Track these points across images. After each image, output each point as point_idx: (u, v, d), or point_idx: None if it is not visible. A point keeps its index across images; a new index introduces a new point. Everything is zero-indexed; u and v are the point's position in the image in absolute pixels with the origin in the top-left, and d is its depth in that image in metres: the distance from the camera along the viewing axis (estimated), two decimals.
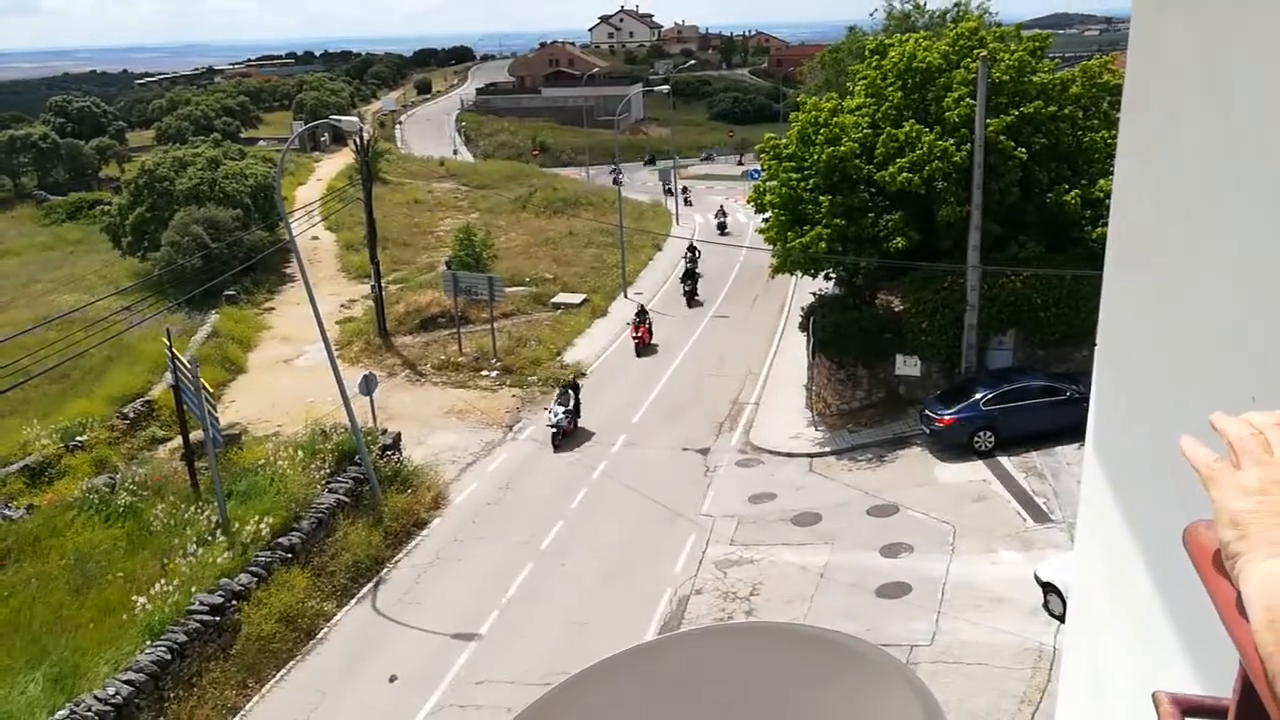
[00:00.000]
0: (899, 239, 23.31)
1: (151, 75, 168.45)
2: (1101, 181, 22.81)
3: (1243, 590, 0.73)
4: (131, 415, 26.08)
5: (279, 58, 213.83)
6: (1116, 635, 2.57)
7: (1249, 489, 0.78)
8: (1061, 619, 15.48)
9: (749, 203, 28.10)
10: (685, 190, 57.98)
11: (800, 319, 26.64)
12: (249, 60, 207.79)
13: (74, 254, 47.94)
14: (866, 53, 27.74)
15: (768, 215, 25.32)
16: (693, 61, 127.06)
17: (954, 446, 22.31)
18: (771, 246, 25.55)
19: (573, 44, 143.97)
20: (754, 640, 1.27)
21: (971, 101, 23.13)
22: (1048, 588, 16.05)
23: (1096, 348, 2.67)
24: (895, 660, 1.14)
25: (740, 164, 73.20)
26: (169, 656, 15.04)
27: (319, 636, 17.40)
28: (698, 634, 1.36)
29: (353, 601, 18.49)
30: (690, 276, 37.44)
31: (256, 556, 17.65)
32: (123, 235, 42.57)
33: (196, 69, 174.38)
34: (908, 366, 24.12)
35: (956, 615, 16.50)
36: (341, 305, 37.21)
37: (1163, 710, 0.88)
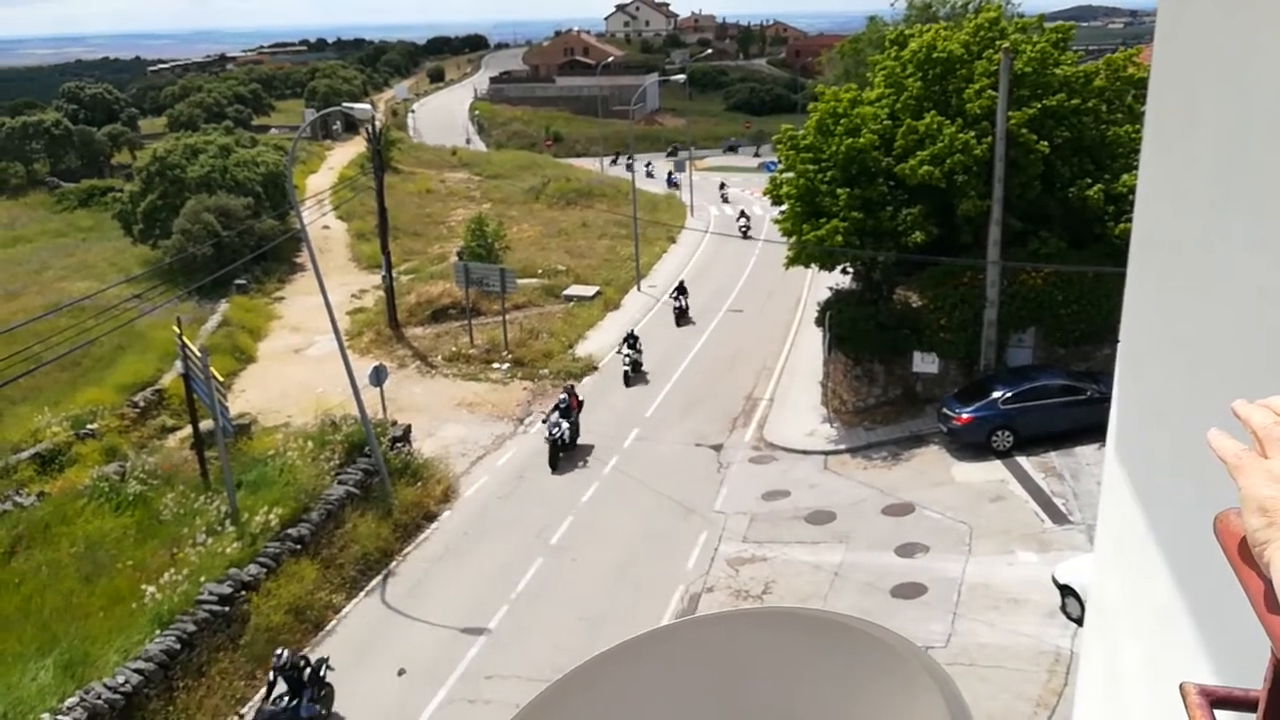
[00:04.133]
0: (918, 233, 23.00)
1: (164, 62, 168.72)
2: (1125, 176, 22.46)
3: (1273, 577, 0.73)
4: (142, 404, 26.05)
5: (292, 45, 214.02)
6: (1136, 637, 2.56)
7: (1277, 475, 0.77)
8: (1079, 622, 15.25)
9: (765, 194, 27.83)
10: (723, 187, 58.67)
11: (816, 314, 26.36)
12: (261, 47, 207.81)
13: (86, 241, 48.03)
14: (886, 43, 27.40)
15: (784, 207, 25.04)
16: (709, 51, 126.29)
17: (972, 445, 22.05)
18: (787, 239, 25.28)
19: (588, 33, 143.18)
20: (774, 625, 1.23)
21: (993, 93, 22.78)
22: (1065, 590, 15.86)
23: (1119, 346, 2.66)
24: (917, 648, 1.09)
25: (757, 155, 73.17)
26: (178, 646, 15.03)
27: (328, 629, 17.32)
28: (716, 618, 1.29)
29: (361, 594, 18.39)
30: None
31: (265, 547, 17.60)
32: (134, 223, 42.59)
33: (209, 56, 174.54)
34: (925, 363, 23.84)
35: (973, 617, 16.31)
36: (352, 295, 37.13)
37: (1190, 701, 0.87)
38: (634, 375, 28.44)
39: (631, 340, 29.13)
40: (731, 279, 39.04)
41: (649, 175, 62.95)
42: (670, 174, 59.70)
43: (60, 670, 14.14)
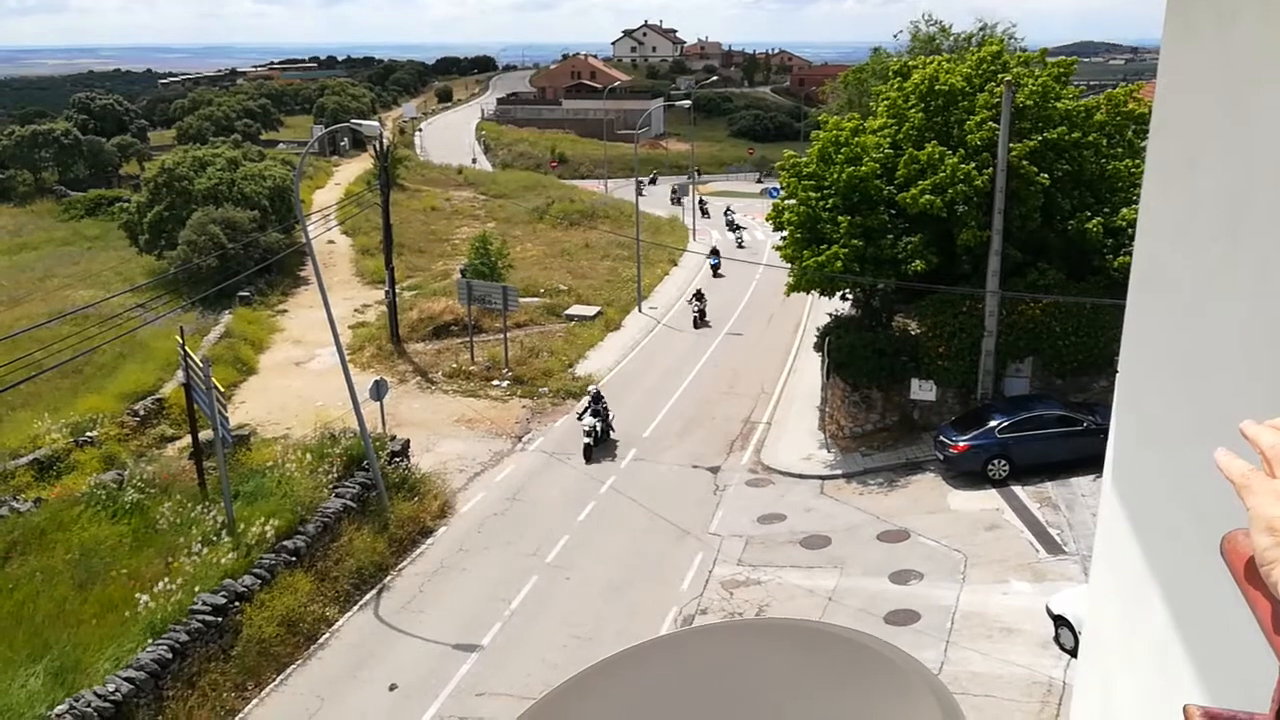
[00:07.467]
0: (918, 261, 23.14)
1: (175, 75, 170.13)
2: (1124, 210, 22.63)
3: None
4: (142, 413, 26.10)
5: (302, 61, 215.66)
6: (1131, 668, 2.55)
7: None
8: (1072, 653, 15.26)
9: (768, 220, 28.02)
10: (722, 212, 57.50)
11: (815, 339, 26.48)
12: (272, 63, 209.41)
13: (91, 250, 48.26)
14: (890, 74, 27.67)
15: (785, 234, 25.21)
16: (714, 78, 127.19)
17: (968, 474, 22.08)
18: (788, 265, 25.43)
19: (595, 57, 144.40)
20: (775, 636, 1.24)
21: (994, 126, 23.00)
22: (1059, 620, 15.84)
23: (1118, 378, 2.68)
24: (916, 662, 1.12)
25: (759, 181, 73.55)
26: (169, 655, 14.99)
27: (320, 641, 17.30)
28: (718, 628, 1.32)
29: (355, 607, 18.38)
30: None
31: (261, 558, 17.58)
32: (140, 233, 42.81)
33: (220, 70, 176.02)
34: (923, 391, 23.92)
35: (966, 645, 16.29)
36: (355, 310, 37.28)
37: None
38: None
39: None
40: (732, 302, 39.19)
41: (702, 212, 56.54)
42: (727, 212, 56.41)
43: (51, 677, 14.10)
